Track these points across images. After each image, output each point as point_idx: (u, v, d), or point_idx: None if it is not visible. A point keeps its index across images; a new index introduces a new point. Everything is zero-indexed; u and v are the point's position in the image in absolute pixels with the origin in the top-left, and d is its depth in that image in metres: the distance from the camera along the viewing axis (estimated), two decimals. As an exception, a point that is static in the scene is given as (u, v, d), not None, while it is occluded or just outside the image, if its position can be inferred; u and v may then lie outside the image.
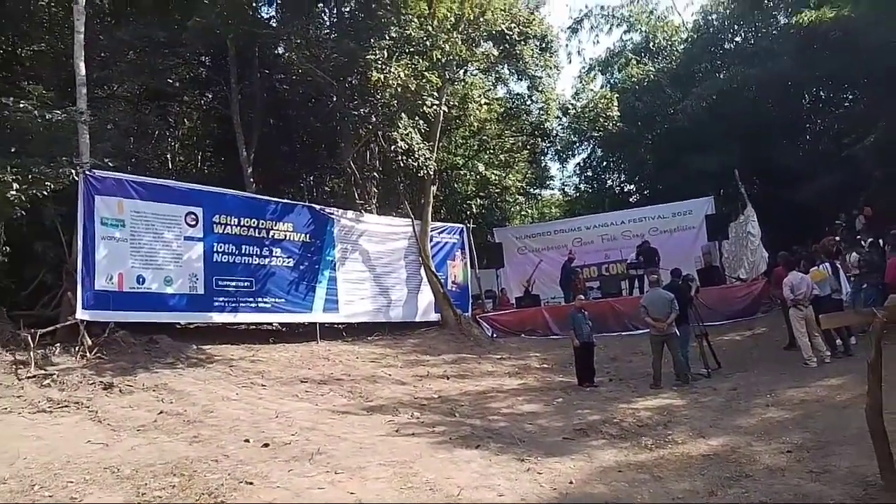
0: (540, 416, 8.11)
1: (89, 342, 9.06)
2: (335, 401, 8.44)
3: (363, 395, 8.88)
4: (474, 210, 20.57)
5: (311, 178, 16.67)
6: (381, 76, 11.18)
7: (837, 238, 14.01)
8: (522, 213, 26.47)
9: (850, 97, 19.15)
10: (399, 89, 11.42)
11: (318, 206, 12.95)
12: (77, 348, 8.92)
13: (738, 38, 21.20)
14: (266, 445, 6.18)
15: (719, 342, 11.90)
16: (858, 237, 13.52)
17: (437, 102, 12.24)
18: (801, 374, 8.99)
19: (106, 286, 9.39)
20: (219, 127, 15.27)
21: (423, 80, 11.62)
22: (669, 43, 23.03)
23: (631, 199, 24.20)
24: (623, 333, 13.49)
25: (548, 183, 24.52)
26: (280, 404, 7.96)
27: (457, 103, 13.85)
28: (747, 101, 18.62)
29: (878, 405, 4.97)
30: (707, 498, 4.95)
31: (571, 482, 5.37)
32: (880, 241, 11.45)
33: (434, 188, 16.82)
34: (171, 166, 18.02)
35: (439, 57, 12.23)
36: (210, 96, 16.83)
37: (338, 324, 13.33)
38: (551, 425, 7.60)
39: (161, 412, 7.24)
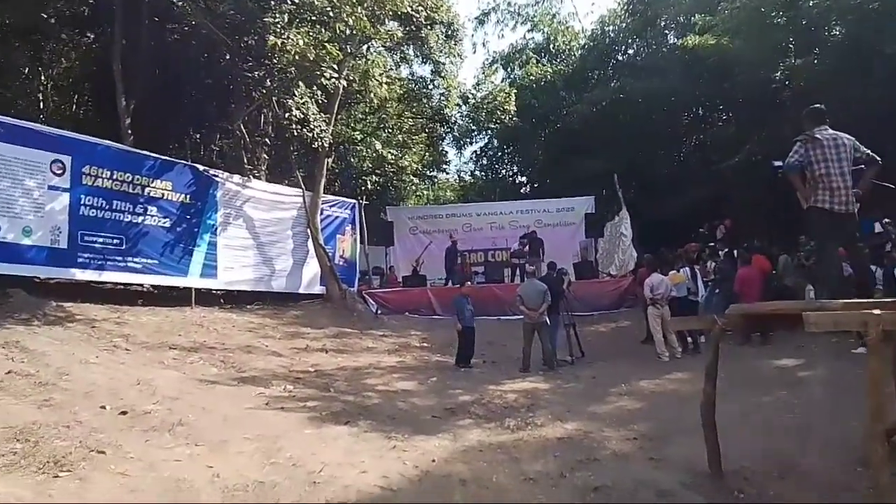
0: (413, 394, 8.34)
1: (-72, 292, 8.20)
2: (204, 370, 8.18)
3: (235, 366, 8.66)
4: (369, 187, 20.47)
5: (198, 136, 15.81)
6: (279, 41, 10.76)
7: (700, 245, 15.38)
8: (417, 193, 26.68)
9: (724, 118, 20.84)
10: (297, 57, 11.06)
11: (201, 167, 12.34)
12: (-87, 298, 8.05)
13: (630, 51, 22.46)
14: (124, 413, 5.92)
15: (586, 332, 12.72)
16: (716, 247, 14.88)
17: (335, 75, 11.97)
18: (655, 367, 9.84)
19: (-47, 232, 8.51)
20: (98, 72, 14.09)
21: (323, 51, 11.31)
22: (568, 47, 23.94)
23: (522, 191, 25.09)
24: (502, 318, 13.98)
25: (444, 167, 24.85)
26: (144, 371, 7.58)
27: (357, 78, 13.62)
28: (634, 111, 19.79)
29: (711, 401, 5.56)
30: (557, 479, 5.36)
31: (434, 461, 5.60)
32: (734, 252, 12.68)
33: (329, 161, 16.53)
34: (41, 107, 16.48)
35: (342, 29, 11.94)
36: (91, 37, 15.49)
37: (216, 290, 12.87)
38: (423, 404, 7.84)
39: (9, 372, 6.62)
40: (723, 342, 11.30)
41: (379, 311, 14.48)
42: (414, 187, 24.38)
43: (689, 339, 10.73)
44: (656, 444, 6.24)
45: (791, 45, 15.78)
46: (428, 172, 23.68)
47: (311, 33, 11.95)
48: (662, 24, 21.15)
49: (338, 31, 12.25)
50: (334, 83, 12.30)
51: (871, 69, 13.94)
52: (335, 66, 11.95)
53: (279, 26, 11.32)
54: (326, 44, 11.56)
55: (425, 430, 6.58)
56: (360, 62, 13.60)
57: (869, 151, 5.16)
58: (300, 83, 12.36)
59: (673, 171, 20.11)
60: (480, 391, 8.44)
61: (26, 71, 15.90)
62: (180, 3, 12.83)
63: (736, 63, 15.59)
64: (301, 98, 12.47)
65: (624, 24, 22.04)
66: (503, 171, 26.01)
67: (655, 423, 6.89)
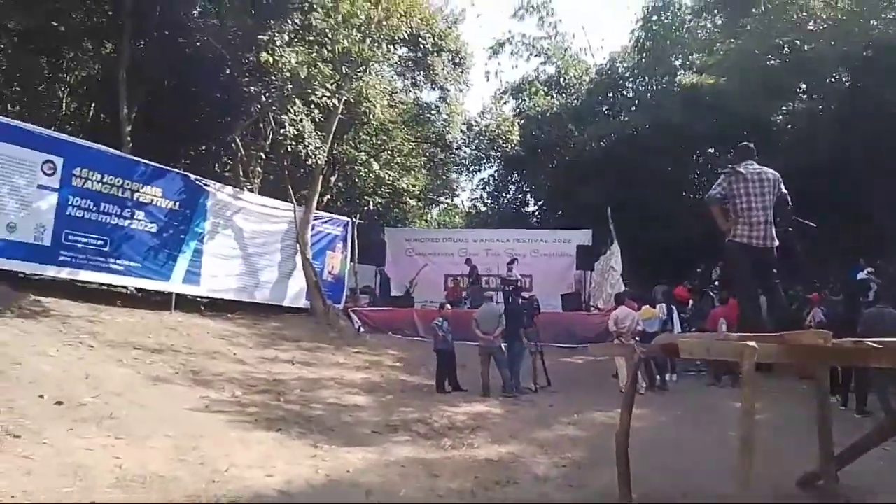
0: (362, 409, 8.38)
1: None
2: (160, 371, 8.30)
3: (194, 369, 8.76)
4: (371, 207, 20.73)
5: (200, 147, 16.27)
6: (272, 58, 11.17)
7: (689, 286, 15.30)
8: (425, 218, 26.90)
9: (724, 158, 20.72)
10: (289, 74, 11.44)
11: (193, 176, 12.68)
12: None
13: (641, 87, 22.59)
14: (59, 403, 6.08)
15: (562, 363, 12.68)
16: (705, 288, 14.74)
17: (328, 94, 12.30)
18: (615, 400, 9.72)
19: (-62, 224, 8.88)
20: (109, 81, 14.66)
21: (315, 70, 11.67)
22: (578, 81, 24.17)
23: (532, 221, 25.09)
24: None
25: (451, 193, 25.05)
26: (98, 367, 7.75)
27: (352, 100, 13.95)
28: (638, 146, 19.79)
29: (625, 430, 5.57)
30: (465, 497, 5.39)
31: (349, 471, 5.65)
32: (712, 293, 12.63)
33: (333, 179, 16.90)
34: (61, 113, 17.19)
35: (340, 50, 12.30)
36: (110, 47, 16.14)
37: (200, 297, 13.09)
38: (368, 419, 7.88)
39: None
40: (696, 382, 11.30)
41: (362, 329, 14.57)
42: (420, 211, 24.59)
43: (658, 377, 10.63)
44: (583, 472, 6.25)
45: (797, 89, 15.82)
46: (432, 197, 23.90)
47: (308, 52, 12.33)
48: (674, 61, 21.30)
49: (337, 52, 12.62)
50: (327, 102, 12.61)
51: (870, 115, 13.90)
52: (328, 86, 12.25)
53: (276, 44, 11.71)
54: (320, 63, 11.89)
55: (356, 443, 6.63)
56: (359, 83, 13.90)
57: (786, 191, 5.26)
58: (296, 100, 12.71)
59: (673, 208, 20.01)
60: (431, 411, 8.45)
61: (49, 77, 16.66)
62: (191, 24, 13.27)
63: (733, 103, 15.60)
64: (297, 115, 12.83)
65: (633, 61, 22.23)
66: (507, 200, 26.13)
67: (592, 452, 6.87)
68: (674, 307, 11.99)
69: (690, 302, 12.71)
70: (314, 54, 12.14)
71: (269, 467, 5.37)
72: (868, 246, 13.06)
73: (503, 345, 10.06)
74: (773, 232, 5.15)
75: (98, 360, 8.15)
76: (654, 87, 21.51)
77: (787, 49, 14.34)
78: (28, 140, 10.04)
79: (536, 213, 25.71)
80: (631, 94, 22.60)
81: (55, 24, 13.16)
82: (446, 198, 25.64)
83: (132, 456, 5.06)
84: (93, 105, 18.34)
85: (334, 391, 9.13)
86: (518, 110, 24.02)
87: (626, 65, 22.72)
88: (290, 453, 5.91)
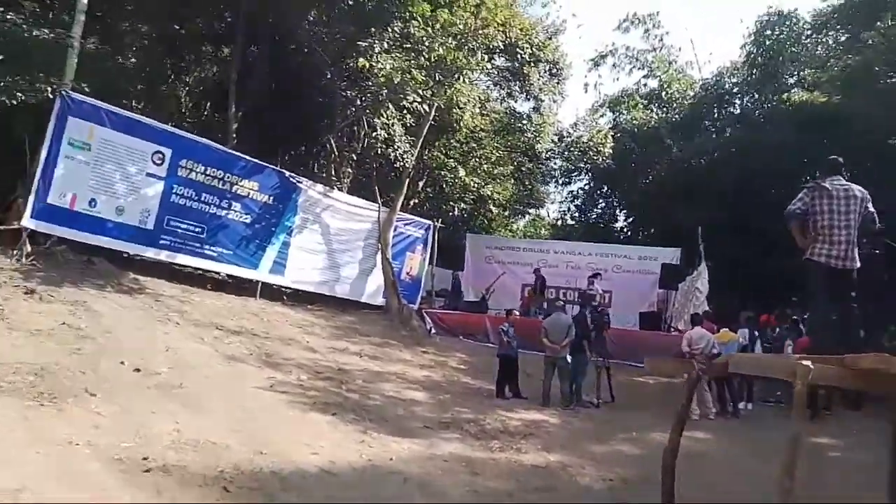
0: (418, 404, 8.55)
1: (28, 249, 9.53)
2: (235, 351, 8.81)
3: (267, 352, 9.22)
4: (456, 213, 20.95)
5: (302, 149, 17.12)
6: (368, 63, 11.67)
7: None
8: (509, 227, 26.75)
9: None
10: (383, 79, 11.89)
11: (287, 173, 13.39)
12: (15, 252, 9.37)
13: (749, 104, 21.48)
14: (137, 370, 6.63)
15: (632, 381, 12.34)
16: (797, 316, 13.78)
17: (419, 99, 12.61)
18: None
19: (58, 202, 9.83)
20: (222, 82, 15.84)
21: (408, 76, 12.01)
22: (682, 95, 23.28)
23: (620, 237, 24.37)
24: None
25: (537, 203, 24.83)
26: (179, 342, 8.34)
27: (443, 106, 14.20)
28: (742, 164, 18.80)
29: (675, 447, 5.39)
30: (501, 497, 5.40)
31: (391, 459, 5.81)
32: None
33: (421, 183, 17.28)
34: (182, 111, 18.66)
35: (435, 58, 12.58)
36: (227, 52, 17.38)
37: (284, 287, 13.77)
38: (422, 414, 8.04)
39: (63, 323, 7.47)
40: (773, 412, 10.70)
41: (433, 331, 14.75)
42: (505, 220, 24.54)
43: (731, 404, 10.13)
44: (629, 489, 6.15)
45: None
46: (518, 207, 23.79)
47: (405, 59, 12.70)
48: (788, 78, 20.12)
49: (432, 60, 12.90)
50: (417, 107, 12.95)
51: None
52: (420, 91, 12.57)
53: (375, 50, 12.20)
54: (414, 69, 12.24)
55: (406, 435, 6.79)
56: (450, 91, 14.13)
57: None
58: (389, 105, 13.15)
59: (777, 233, 18.73)
60: (486, 414, 8.49)
61: (171, 78, 18.17)
62: (299, 31, 14.03)
63: (849, 122, 14.47)
64: (389, 119, 13.28)
65: (742, 77, 21.17)
66: (596, 214, 25.54)
67: (643, 470, 6.65)
68: (757, 333, 11.36)
69: (777, 329, 11.98)
70: (410, 61, 12.49)
71: (316, 446, 5.64)
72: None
73: (569, 356, 9.91)
74: (856, 253, 4.85)
75: (181, 336, 8.76)
76: (764, 105, 20.35)
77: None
78: (142, 131, 10.98)
79: (625, 229, 24.99)
80: (738, 111, 21.52)
81: (178, 27, 14.28)
82: (532, 208, 25.45)
83: (192, 423, 5.45)
84: (208, 104, 19.81)
85: (395, 385, 9.34)
86: (614, 123, 23.49)
87: (734, 80, 21.63)
88: (341, 436, 6.16)
